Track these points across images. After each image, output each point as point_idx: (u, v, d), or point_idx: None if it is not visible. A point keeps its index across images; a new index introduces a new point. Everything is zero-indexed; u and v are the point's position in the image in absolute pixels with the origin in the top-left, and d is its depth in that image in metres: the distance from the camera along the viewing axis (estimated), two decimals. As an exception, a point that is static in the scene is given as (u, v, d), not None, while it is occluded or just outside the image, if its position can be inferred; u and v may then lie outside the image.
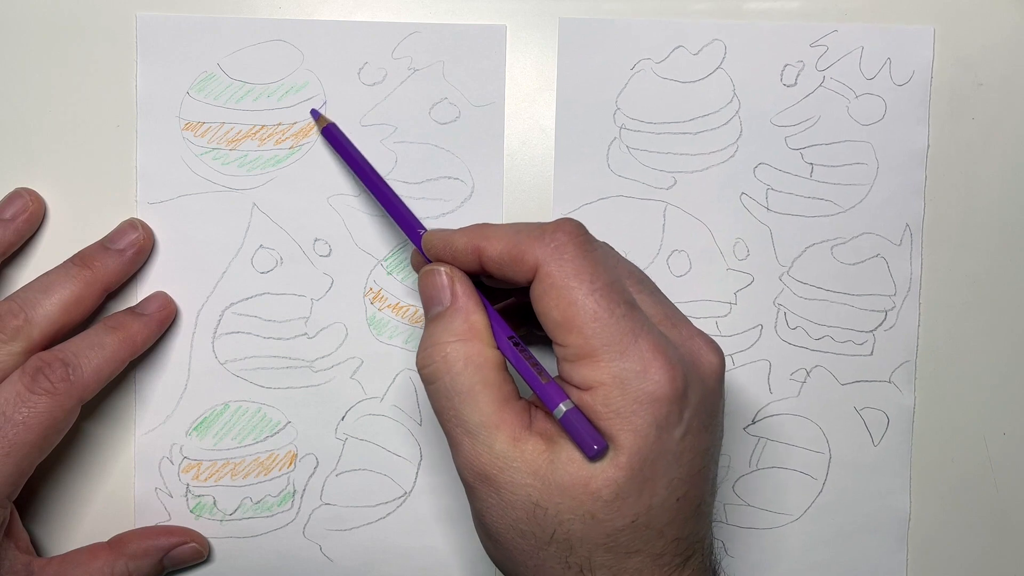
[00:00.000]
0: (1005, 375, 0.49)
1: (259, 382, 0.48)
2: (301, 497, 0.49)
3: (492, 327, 0.39)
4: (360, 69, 0.48)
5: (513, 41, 0.48)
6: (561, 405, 0.36)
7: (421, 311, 0.48)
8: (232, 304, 0.48)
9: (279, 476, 0.49)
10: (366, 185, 0.46)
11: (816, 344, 0.49)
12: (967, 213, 0.49)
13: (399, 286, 0.48)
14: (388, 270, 0.48)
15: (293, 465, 0.49)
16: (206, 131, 0.48)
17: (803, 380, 0.49)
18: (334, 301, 0.48)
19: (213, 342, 0.48)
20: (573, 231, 0.37)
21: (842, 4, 0.48)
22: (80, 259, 0.45)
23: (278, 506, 0.49)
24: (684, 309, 0.48)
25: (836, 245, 0.49)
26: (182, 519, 0.48)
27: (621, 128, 0.48)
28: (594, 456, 0.35)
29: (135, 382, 0.48)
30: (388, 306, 0.49)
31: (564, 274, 0.36)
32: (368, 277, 0.48)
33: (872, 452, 0.49)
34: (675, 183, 0.48)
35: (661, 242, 0.48)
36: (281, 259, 0.48)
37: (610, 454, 0.35)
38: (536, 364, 0.38)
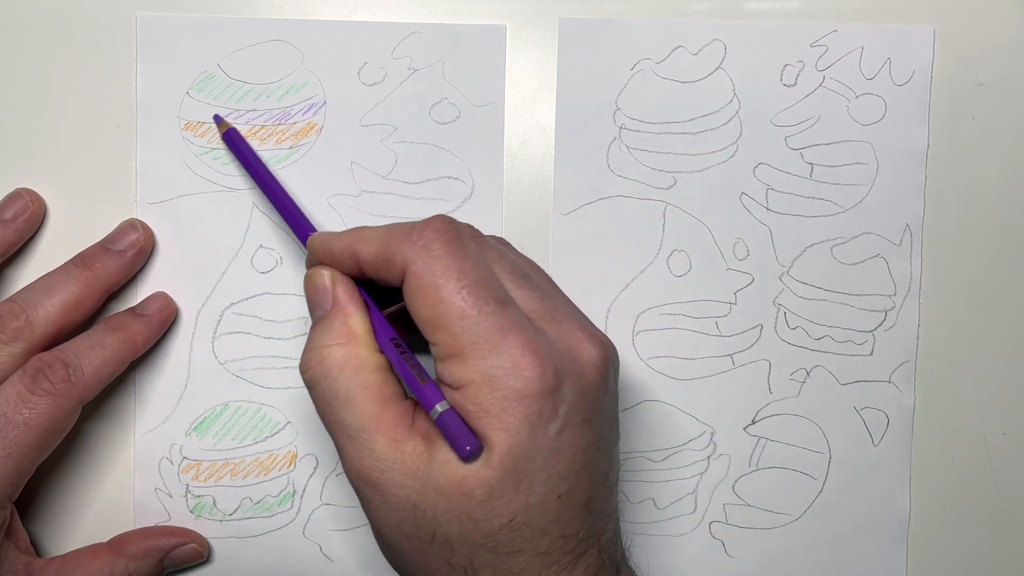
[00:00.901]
0: (1005, 375, 0.50)
1: (259, 382, 0.48)
2: (301, 497, 0.49)
3: (375, 329, 0.39)
4: (360, 69, 0.48)
5: (513, 41, 0.48)
6: (437, 406, 0.36)
7: (421, 311, 0.48)
8: (232, 304, 0.48)
9: (279, 476, 0.49)
10: (260, 187, 0.46)
11: (816, 344, 0.49)
12: (967, 213, 0.49)
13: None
14: (388, 270, 0.48)
15: (293, 465, 0.49)
16: (206, 131, 0.48)
17: (803, 380, 0.49)
18: (334, 301, 0.48)
19: (213, 342, 0.48)
20: (441, 228, 0.37)
21: (842, 4, 0.48)
22: (81, 260, 0.46)
23: (278, 506, 0.49)
24: (684, 309, 0.48)
25: (836, 245, 0.49)
26: (182, 519, 0.48)
27: (621, 128, 0.48)
28: (467, 457, 0.35)
29: (135, 382, 0.48)
30: (388, 306, 0.49)
31: (431, 272, 0.36)
32: (368, 277, 0.49)
33: (872, 452, 0.49)
34: (675, 183, 0.49)
35: (661, 242, 0.49)
36: (281, 259, 0.48)
37: (483, 454, 0.35)
38: (416, 366, 0.38)
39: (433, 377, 0.38)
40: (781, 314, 0.49)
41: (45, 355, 0.43)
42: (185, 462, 0.48)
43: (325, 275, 0.39)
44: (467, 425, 0.36)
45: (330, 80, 0.48)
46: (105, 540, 0.47)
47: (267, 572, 0.49)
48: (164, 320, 0.47)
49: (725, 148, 0.48)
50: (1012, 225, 0.49)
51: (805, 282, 0.49)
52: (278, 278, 0.48)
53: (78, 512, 0.48)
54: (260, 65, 0.48)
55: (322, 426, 0.48)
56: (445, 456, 0.36)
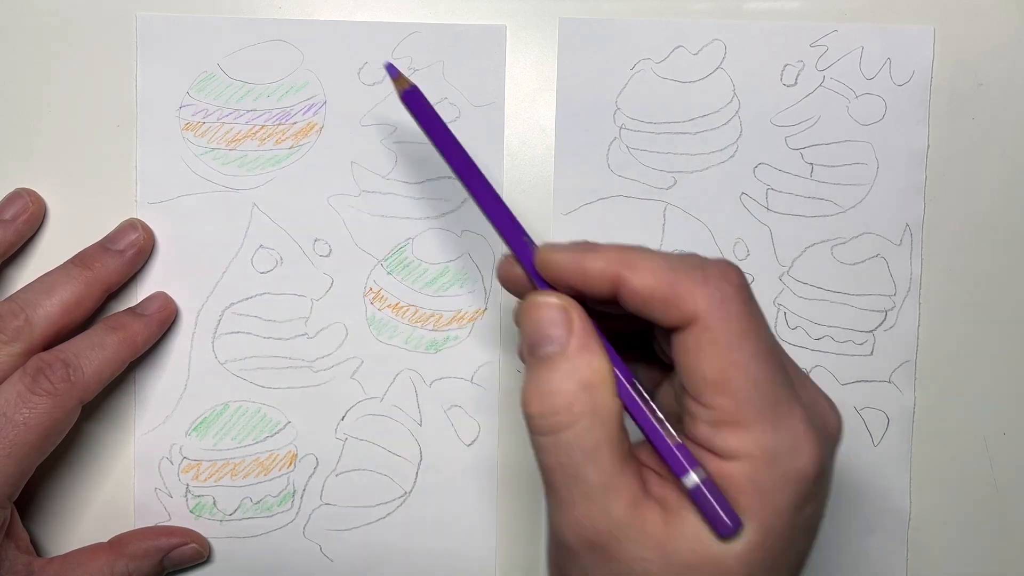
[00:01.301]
0: (1005, 375, 0.50)
1: (259, 382, 0.49)
2: (301, 497, 0.49)
3: (620, 383, 0.34)
4: (360, 69, 0.48)
5: (513, 41, 0.48)
6: (692, 474, 0.32)
7: (422, 311, 0.48)
8: (232, 304, 0.48)
9: (279, 476, 0.49)
10: (456, 171, 0.37)
11: (816, 344, 0.49)
12: (967, 213, 0.49)
13: (399, 286, 0.49)
14: (388, 270, 0.49)
15: (293, 465, 0.49)
16: (206, 131, 0.48)
17: (803, 380, 0.49)
18: (334, 301, 0.49)
19: (213, 342, 0.48)
20: (738, 282, 0.33)
21: (842, 4, 0.48)
22: (80, 260, 0.46)
23: (278, 506, 0.49)
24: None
25: (836, 245, 0.49)
26: (182, 519, 0.49)
27: (621, 128, 0.48)
28: (728, 535, 0.32)
29: (135, 382, 0.48)
30: (388, 306, 0.49)
31: (729, 331, 0.32)
32: (368, 277, 0.49)
33: (872, 452, 0.49)
34: (675, 183, 0.49)
35: (661, 242, 0.49)
36: (281, 259, 0.48)
37: (745, 532, 0.32)
38: (662, 420, 0.34)
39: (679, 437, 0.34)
40: (781, 314, 0.49)
41: (45, 355, 0.43)
42: (185, 462, 0.49)
43: (558, 305, 0.34)
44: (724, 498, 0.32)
45: (330, 80, 0.48)
46: (105, 540, 0.47)
47: (267, 572, 0.49)
48: (164, 320, 0.47)
49: (725, 148, 0.49)
50: (1012, 225, 0.49)
51: (805, 282, 0.49)
52: (278, 278, 0.48)
53: (78, 512, 0.49)
54: (260, 65, 0.48)
55: (321, 426, 0.48)
56: (695, 530, 0.32)
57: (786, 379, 0.33)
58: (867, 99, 0.48)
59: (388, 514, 0.49)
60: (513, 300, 0.48)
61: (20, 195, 0.47)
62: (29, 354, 0.44)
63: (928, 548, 0.50)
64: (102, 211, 0.48)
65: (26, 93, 0.48)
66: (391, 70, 0.39)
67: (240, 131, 0.48)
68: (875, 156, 0.48)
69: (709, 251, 0.48)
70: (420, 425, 0.49)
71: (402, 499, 0.49)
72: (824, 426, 0.34)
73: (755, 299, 0.33)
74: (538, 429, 0.34)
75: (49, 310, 0.44)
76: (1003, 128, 0.49)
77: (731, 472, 0.32)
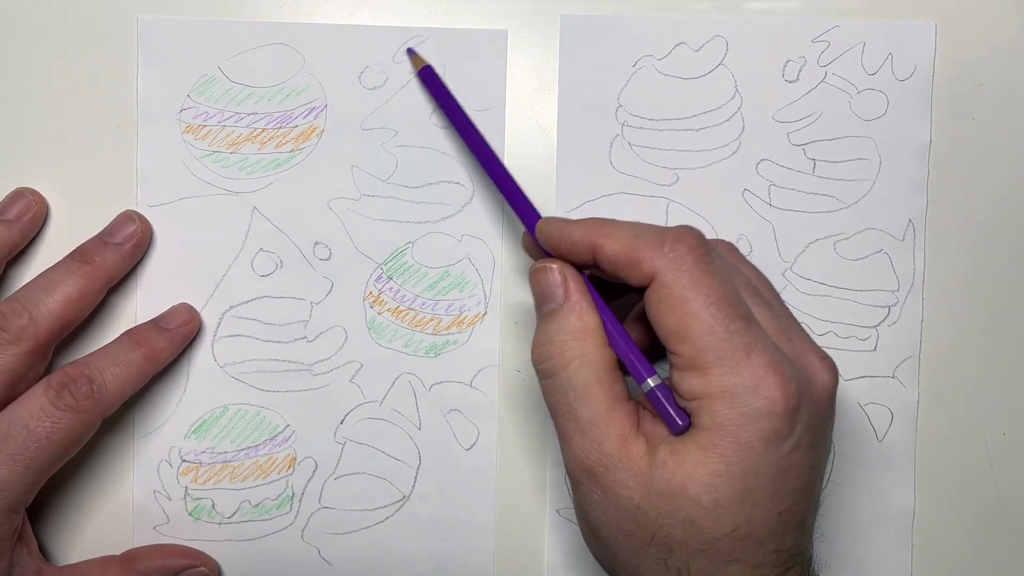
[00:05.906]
0: (1008, 370, 0.50)
1: (258, 385, 0.50)
2: (300, 500, 0.50)
3: (605, 325, 0.40)
4: (361, 73, 0.49)
5: (515, 39, 0.49)
6: (649, 380, 0.39)
7: (420, 316, 0.49)
8: (232, 307, 0.49)
9: (278, 479, 0.49)
10: (473, 151, 0.47)
11: (819, 340, 0.49)
12: (970, 208, 0.50)
13: (399, 290, 0.50)
14: (388, 274, 0.49)
15: (292, 468, 0.50)
16: (207, 134, 0.49)
17: (807, 377, 0.50)
18: (334, 305, 0.50)
19: (213, 345, 0.49)
20: (692, 243, 0.38)
21: (843, 3, 0.49)
22: (80, 254, 0.47)
23: (277, 509, 0.49)
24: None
25: (839, 241, 0.49)
26: (181, 522, 0.49)
27: (623, 125, 0.49)
28: (678, 431, 0.38)
29: (134, 384, 0.49)
30: (388, 310, 0.50)
31: (681, 285, 0.37)
32: (368, 281, 0.50)
33: (876, 448, 0.50)
34: (677, 180, 0.49)
35: (663, 241, 0.49)
36: (281, 262, 0.49)
37: (707, 461, 0.36)
38: (643, 360, 0.40)
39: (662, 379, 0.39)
40: (785, 310, 0.50)
41: (70, 369, 0.44)
42: (184, 464, 0.49)
43: (555, 269, 0.41)
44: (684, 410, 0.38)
45: (331, 84, 0.49)
46: (104, 543, 0.48)
47: (265, 575, 0.50)
48: (187, 334, 0.49)
49: (727, 144, 0.49)
50: (1015, 220, 0.50)
51: (808, 278, 0.49)
52: (278, 281, 0.49)
53: (77, 514, 0.49)
54: (261, 68, 0.49)
55: (320, 429, 0.49)
56: (666, 458, 0.37)
57: (745, 326, 0.37)
58: (869, 95, 0.49)
59: (387, 518, 0.50)
60: (514, 303, 0.49)
61: (22, 194, 0.48)
62: (35, 352, 0.45)
63: (932, 543, 0.50)
64: (103, 214, 0.48)
65: (28, 95, 0.49)
66: (410, 52, 0.49)
67: (241, 134, 0.49)
68: (877, 152, 0.49)
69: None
70: (419, 429, 0.50)
71: (401, 503, 0.50)
72: (807, 376, 0.38)
73: (712, 256, 0.38)
74: (540, 373, 0.40)
75: (52, 307, 0.45)
76: (1003, 128, 0.49)
77: (694, 410, 0.37)
